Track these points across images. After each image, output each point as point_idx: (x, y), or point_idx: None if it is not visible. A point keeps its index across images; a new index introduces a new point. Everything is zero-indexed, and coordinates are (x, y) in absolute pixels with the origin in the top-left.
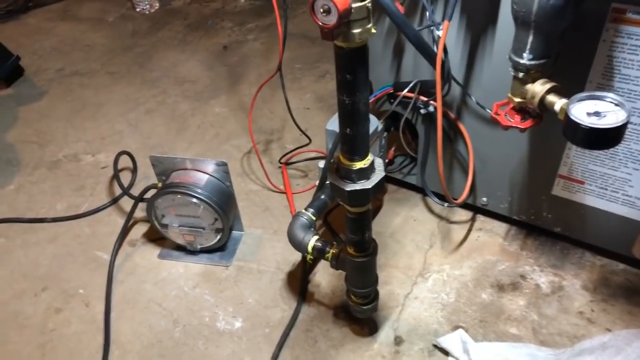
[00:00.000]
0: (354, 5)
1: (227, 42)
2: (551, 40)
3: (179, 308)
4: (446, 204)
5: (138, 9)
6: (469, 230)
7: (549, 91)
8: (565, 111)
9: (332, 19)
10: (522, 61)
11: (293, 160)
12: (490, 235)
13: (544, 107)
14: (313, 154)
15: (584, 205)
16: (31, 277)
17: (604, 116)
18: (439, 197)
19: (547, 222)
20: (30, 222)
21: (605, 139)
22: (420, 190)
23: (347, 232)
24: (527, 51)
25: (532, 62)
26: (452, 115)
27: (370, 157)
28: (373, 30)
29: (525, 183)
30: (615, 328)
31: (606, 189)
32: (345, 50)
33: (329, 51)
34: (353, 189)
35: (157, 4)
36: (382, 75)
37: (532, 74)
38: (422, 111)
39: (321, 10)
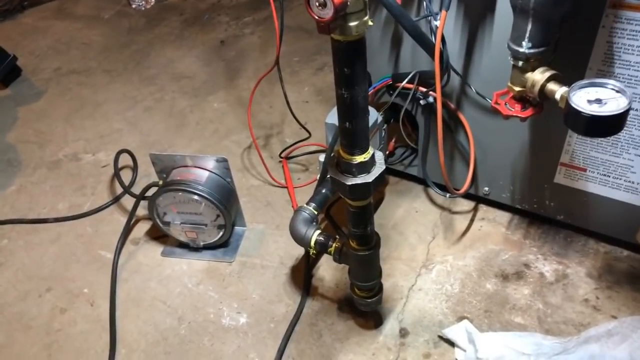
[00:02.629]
0: None
1: (224, 37)
2: (550, 27)
3: (183, 305)
4: (448, 195)
5: (134, 5)
6: (472, 221)
7: (549, 79)
8: (565, 99)
9: (328, 13)
10: (521, 50)
11: (293, 154)
12: (493, 225)
13: (544, 95)
14: (313, 148)
15: (587, 193)
16: (35, 277)
17: (605, 103)
18: (440, 188)
19: (550, 210)
20: (33, 222)
21: (607, 126)
22: (422, 181)
23: (349, 226)
24: (526, 39)
25: (532, 51)
26: (452, 105)
27: (370, 151)
28: (370, 23)
29: (527, 172)
30: (621, 315)
31: (608, 176)
32: (343, 44)
33: (327, 44)
34: (354, 183)
35: (153, 0)
36: (381, 66)
37: (531, 63)
38: (422, 102)
39: (317, 3)
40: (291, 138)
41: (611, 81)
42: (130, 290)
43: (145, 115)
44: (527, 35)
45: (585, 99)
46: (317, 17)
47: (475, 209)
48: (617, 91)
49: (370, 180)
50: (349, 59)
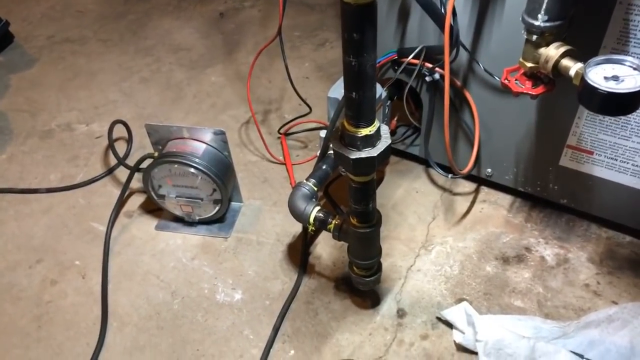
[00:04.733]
0: None
1: (223, 9)
2: (567, 0)
3: (177, 280)
4: (450, 175)
5: None
6: (473, 202)
7: (563, 55)
8: (581, 75)
9: None
10: (536, 23)
11: (292, 130)
12: (495, 207)
13: (558, 72)
14: (313, 124)
15: (592, 177)
16: (25, 248)
17: (622, 81)
18: (442, 168)
19: (553, 193)
20: (23, 192)
21: (623, 104)
22: (423, 161)
23: (350, 203)
24: (543, 12)
25: (547, 24)
26: (458, 83)
27: (376, 124)
28: None
29: (531, 154)
30: (622, 301)
31: (616, 160)
32: (353, 7)
33: (329, 19)
34: (358, 157)
35: None
36: (386, 40)
37: (546, 37)
38: (427, 79)
39: None
40: (290, 114)
41: (629, 58)
42: (122, 263)
43: (141, 86)
44: (544, 7)
45: (602, 75)
46: None
47: (476, 191)
48: (635, 69)
49: (375, 155)
50: (359, 24)
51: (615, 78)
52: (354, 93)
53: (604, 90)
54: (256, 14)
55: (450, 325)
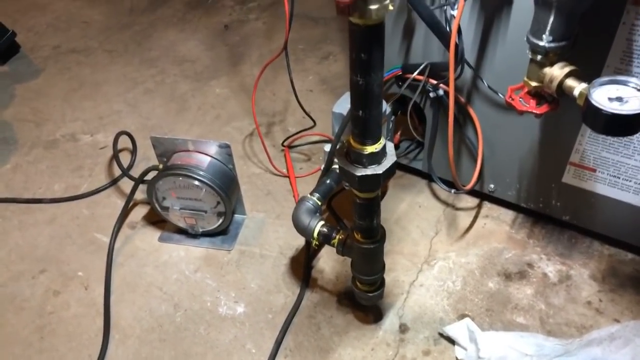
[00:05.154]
0: None
1: (228, 21)
2: (572, 21)
3: (180, 292)
4: (453, 190)
5: None
6: (475, 218)
7: (568, 75)
8: (585, 96)
9: None
10: (541, 43)
11: (296, 143)
12: (497, 223)
13: (562, 91)
14: (317, 137)
15: (595, 194)
16: (29, 259)
17: (627, 102)
18: (445, 183)
19: (556, 210)
20: (28, 202)
21: (627, 125)
22: (426, 176)
23: (354, 218)
24: (547, 32)
25: (552, 45)
26: (462, 99)
27: (382, 141)
28: (390, 7)
29: (534, 170)
30: (624, 319)
31: (618, 177)
32: (361, 28)
33: (333, 32)
34: (364, 174)
35: None
36: (391, 56)
37: (550, 57)
38: (432, 94)
39: None
40: (294, 127)
41: (633, 79)
42: (125, 275)
43: (146, 97)
44: (549, 28)
45: (606, 96)
46: None
47: (479, 206)
48: (639, 90)
49: (381, 172)
50: (367, 45)
51: (619, 99)
52: (360, 111)
53: (608, 112)
54: (261, 26)
55: (452, 341)
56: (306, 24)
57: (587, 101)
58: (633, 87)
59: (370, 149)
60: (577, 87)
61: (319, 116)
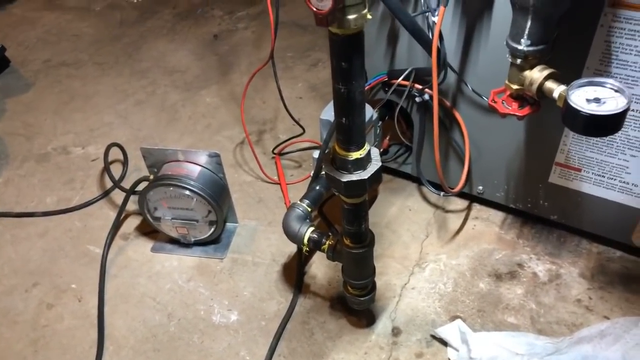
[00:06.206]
0: None
1: (217, 31)
2: (549, 25)
3: (173, 302)
4: (442, 193)
5: None
6: (465, 219)
7: (547, 77)
8: (564, 98)
9: (326, 4)
10: (520, 47)
11: (286, 150)
12: (487, 224)
13: (542, 94)
14: (307, 144)
15: (581, 193)
16: (22, 272)
17: (604, 103)
18: (434, 186)
19: (544, 210)
20: (20, 216)
21: (605, 126)
22: (416, 179)
23: (343, 224)
24: (525, 37)
25: (530, 48)
26: (448, 103)
27: (366, 147)
28: (369, 16)
29: (521, 171)
30: (613, 316)
31: (603, 177)
32: (341, 37)
33: (321, 39)
34: (349, 179)
35: None
36: (376, 62)
37: (530, 60)
38: (417, 99)
39: None
40: (284, 134)
41: (610, 80)
42: (119, 286)
43: (137, 109)
44: (527, 32)
45: (584, 97)
46: (315, 9)
47: (469, 208)
48: (616, 90)
49: (366, 177)
50: (347, 53)
51: (597, 100)
52: (344, 118)
53: (586, 113)
54: (250, 35)
55: (445, 343)
56: (295, 32)
57: (566, 103)
58: (610, 88)
59: (354, 155)
60: (557, 89)
61: (308, 123)
